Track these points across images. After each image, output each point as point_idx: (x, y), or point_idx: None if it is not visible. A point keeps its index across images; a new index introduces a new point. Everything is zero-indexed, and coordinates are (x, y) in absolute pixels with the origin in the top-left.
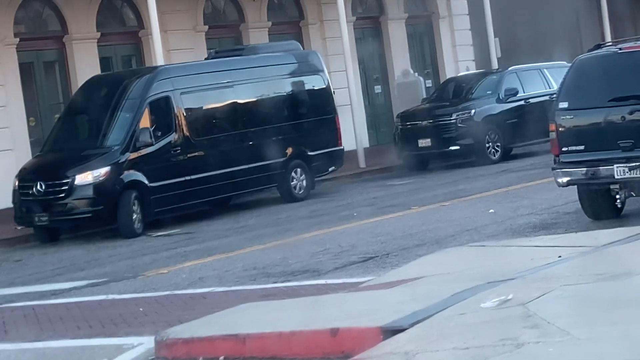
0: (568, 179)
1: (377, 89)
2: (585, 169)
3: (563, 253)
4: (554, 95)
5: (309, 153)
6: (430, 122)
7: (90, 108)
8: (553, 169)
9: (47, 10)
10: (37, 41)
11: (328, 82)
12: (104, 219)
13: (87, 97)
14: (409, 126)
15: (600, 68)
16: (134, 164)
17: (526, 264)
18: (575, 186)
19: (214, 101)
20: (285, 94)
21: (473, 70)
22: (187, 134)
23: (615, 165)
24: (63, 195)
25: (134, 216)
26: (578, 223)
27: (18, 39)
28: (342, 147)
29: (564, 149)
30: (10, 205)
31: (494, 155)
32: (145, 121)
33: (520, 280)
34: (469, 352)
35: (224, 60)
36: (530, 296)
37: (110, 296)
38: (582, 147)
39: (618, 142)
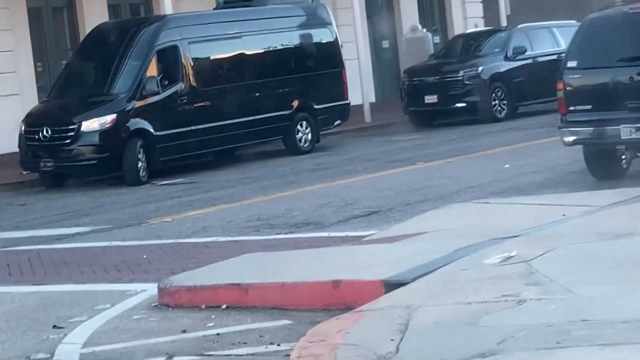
0: (574, 138)
1: (385, 44)
2: (591, 128)
3: (567, 212)
4: (563, 55)
5: (315, 106)
6: (437, 79)
7: (97, 55)
8: (559, 128)
9: None
10: None
11: (336, 36)
12: (109, 166)
13: (95, 44)
14: (415, 82)
15: (610, 28)
16: (140, 112)
17: (530, 222)
18: (581, 146)
19: (222, 51)
20: (292, 46)
21: (482, 28)
22: (194, 83)
23: (621, 126)
24: (69, 141)
25: (139, 164)
26: (583, 182)
27: None
28: (348, 101)
29: (571, 108)
30: (16, 149)
31: (500, 113)
32: (152, 70)
33: (523, 238)
34: (471, 307)
35: (233, 11)
36: (533, 254)
37: (114, 243)
38: (589, 107)
39: (625, 102)
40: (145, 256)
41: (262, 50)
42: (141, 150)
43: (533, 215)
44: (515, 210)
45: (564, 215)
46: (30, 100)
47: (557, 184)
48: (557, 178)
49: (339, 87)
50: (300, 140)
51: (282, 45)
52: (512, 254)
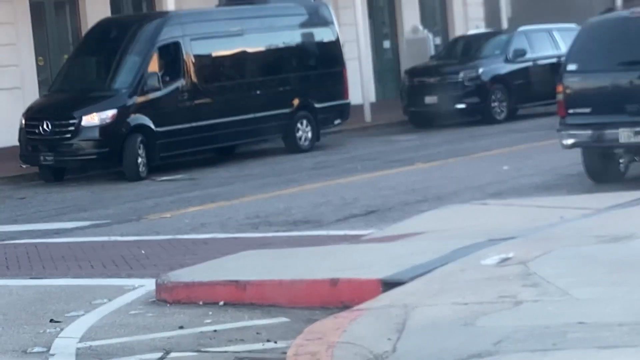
0: (573, 141)
1: (386, 44)
2: (590, 131)
3: (565, 214)
4: (563, 58)
5: (316, 105)
6: (437, 80)
7: (99, 50)
8: (558, 130)
9: None
10: None
11: (337, 35)
12: (109, 161)
13: (96, 39)
14: (416, 82)
15: (610, 32)
16: (141, 108)
17: (528, 223)
18: (580, 148)
19: (223, 49)
20: (294, 44)
21: (482, 29)
22: (195, 80)
23: (620, 129)
24: (69, 135)
25: (139, 160)
26: (581, 185)
27: None
28: (348, 101)
29: (570, 110)
30: (16, 143)
31: (500, 115)
32: (153, 65)
33: (521, 239)
34: (468, 308)
35: (235, 8)
36: (530, 255)
37: (113, 238)
38: (588, 110)
39: (625, 106)
40: (143, 252)
41: (263, 48)
42: (141, 145)
43: (531, 217)
44: (513, 212)
45: (562, 217)
46: (31, 94)
47: (555, 186)
48: (555, 180)
49: (339, 86)
50: (300, 139)
51: (283, 43)
52: (509, 255)
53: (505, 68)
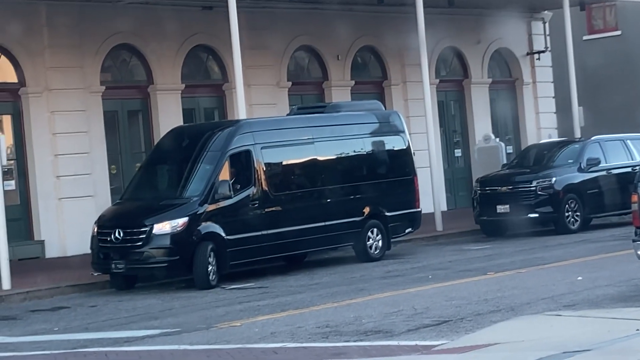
0: None
1: (457, 152)
2: None
3: None
4: (637, 167)
5: (387, 213)
6: (509, 189)
7: (171, 158)
8: (634, 240)
9: (134, 60)
10: (122, 90)
11: (408, 143)
12: (180, 269)
13: (168, 148)
14: (488, 191)
15: None
16: (211, 216)
17: (603, 336)
18: None
19: (294, 157)
20: (365, 153)
21: (555, 138)
22: (266, 188)
23: None
24: (140, 243)
25: (209, 268)
26: None
27: (104, 87)
28: (419, 209)
29: None
30: (88, 251)
31: (573, 225)
32: (225, 174)
33: (596, 352)
34: None
35: (306, 117)
36: None
37: (182, 346)
38: None
39: None
40: None
41: (334, 157)
42: (212, 253)
43: (606, 328)
44: (588, 324)
45: (637, 329)
46: (103, 202)
47: (631, 297)
48: (631, 292)
49: (410, 194)
50: (370, 247)
51: (354, 151)
52: None
53: (579, 177)
